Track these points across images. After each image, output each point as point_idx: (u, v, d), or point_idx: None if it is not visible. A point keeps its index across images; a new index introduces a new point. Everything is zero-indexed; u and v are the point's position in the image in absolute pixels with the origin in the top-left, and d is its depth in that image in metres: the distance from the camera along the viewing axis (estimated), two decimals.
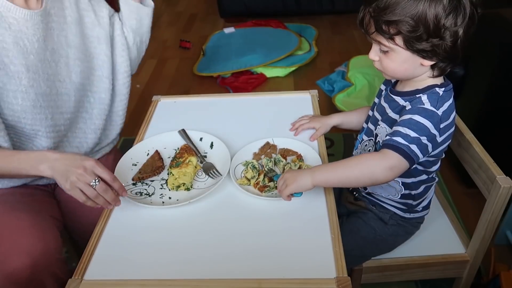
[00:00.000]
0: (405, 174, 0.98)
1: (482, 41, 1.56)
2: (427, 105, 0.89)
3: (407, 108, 0.92)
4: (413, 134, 0.86)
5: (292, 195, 0.92)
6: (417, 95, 0.92)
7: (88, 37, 1.12)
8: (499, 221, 1.00)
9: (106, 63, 1.16)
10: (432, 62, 0.88)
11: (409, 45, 0.85)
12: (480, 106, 1.60)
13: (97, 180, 0.87)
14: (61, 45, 1.05)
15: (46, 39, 0.99)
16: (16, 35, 0.93)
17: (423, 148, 0.87)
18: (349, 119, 1.21)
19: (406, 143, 0.86)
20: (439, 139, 0.91)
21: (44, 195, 1.12)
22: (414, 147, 0.86)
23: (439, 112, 0.89)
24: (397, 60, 0.89)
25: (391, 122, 0.96)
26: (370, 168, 0.88)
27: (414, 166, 0.95)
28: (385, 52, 0.90)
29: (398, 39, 0.85)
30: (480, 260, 1.11)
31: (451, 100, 0.93)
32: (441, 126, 0.89)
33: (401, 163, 0.86)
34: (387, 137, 0.89)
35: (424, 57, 0.87)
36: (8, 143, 0.98)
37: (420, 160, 0.90)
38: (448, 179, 1.83)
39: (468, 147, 1.05)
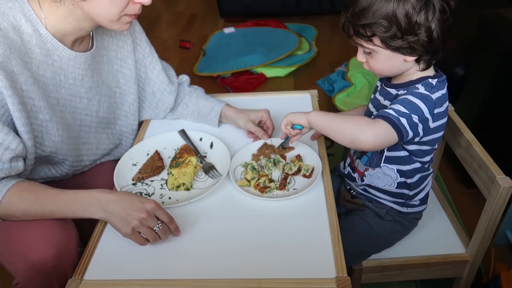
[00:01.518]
0: (399, 161, 1.00)
1: (482, 41, 1.56)
2: (421, 89, 0.92)
3: (400, 94, 0.95)
4: (404, 109, 0.89)
5: (292, 127, 1.00)
6: (410, 86, 0.95)
7: (124, 76, 1.14)
8: (499, 221, 1.00)
9: (136, 101, 1.19)
10: (414, 58, 0.91)
11: (387, 44, 0.88)
12: (480, 106, 1.60)
13: (160, 224, 0.86)
14: (98, 84, 1.08)
15: (84, 78, 1.03)
16: (56, 71, 0.96)
17: (412, 124, 0.89)
18: None
19: (396, 115, 0.89)
20: (431, 125, 0.92)
21: None
22: (403, 120, 0.88)
23: (433, 96, 0.91)
24: (380, 59, 0.93)
25: (383, 108, 0.98)
26: (357, 126, 0.91)
27: (407, 154, 0.98)
28: (369, 54, 0.94)
29: (376, 40, 0.89)
30: (480, 260, 1.11)
31: (444, 90, 0.95)
32: (435, 111, 0.91)
33: (388, 132, 0.88)
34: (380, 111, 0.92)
35: (404, 54, 0.90)
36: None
37: (409, 137, 0.91)
38: (448, 179, 1.83)
39: (468, 147, 1.05)
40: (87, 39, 1.02)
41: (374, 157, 1.03)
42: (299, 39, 2.99)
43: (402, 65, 0.93)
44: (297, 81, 2.70)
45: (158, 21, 3.70)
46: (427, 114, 0.90)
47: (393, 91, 0.99)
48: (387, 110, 0.90)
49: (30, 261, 0.88)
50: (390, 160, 1.02)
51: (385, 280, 1.16)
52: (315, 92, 1.37)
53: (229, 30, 3.23)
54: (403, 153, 1.00)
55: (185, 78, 1.29)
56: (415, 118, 0.89)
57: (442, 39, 0.89)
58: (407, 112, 0.89)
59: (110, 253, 0.88)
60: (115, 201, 0.87)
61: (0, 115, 0.86)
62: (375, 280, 1.16)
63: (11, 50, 0.86)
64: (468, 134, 1.06)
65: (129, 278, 0.82)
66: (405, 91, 0.95)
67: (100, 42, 1.07)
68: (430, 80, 0.94)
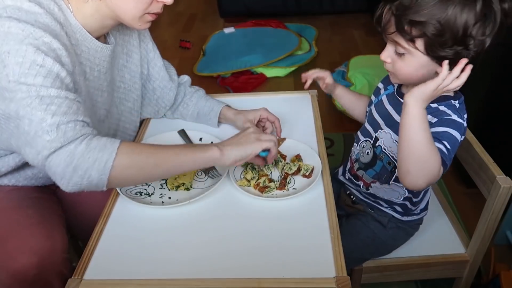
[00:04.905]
0: None
1: None
2: (454, 116, 0.86)
3: (432, 122, 0.86)
4: (449, 147, 0.83)
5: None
6: (432, 105, 0.87)
7: (130, 71, 1.15)
8: (499, 221, 1.00)
9: (139, 97, 1.20)
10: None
11: (430, 50, 0.80)
12: (480, 106, 1.60)
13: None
14: (115, 77, 1.09)
15: (107, 72, 1.04)
16: (82, 62, 0.96)
17: (451, 158, 0.85)
18: (347, 97, 1.22)
19: (448, 155, 0.82)
20: None
21: (47, 192, 1.12)
22: (449, 158, 0.83)
23: (465, 124, 0.87)
24: (412, 64, 0.84)
25: (397, 128, 0.92)
26: (424, 166, 0.80)
27: None
28: (400, 55, 0.85)
29: (419, 42, 0.80)
30: (480, 260, 1.11)
31: (465, 114, 0.90)
32: (461, 139, 0.87)
33: (440, 173, 0.82)
34: None
35: (441, 65, 0.81)
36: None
37: None
38: (448, 179, 1.83)
39: (468, 147, 1.05)
40: (103, 35, 1.03)
41: (383, 174, 1.00)
42: (299, 39, 3.00)
43: (431, 76, 0.84)
44: (297, 81, 2.70)
45: (158, 21, 3.70)
46: (459, 143, 0.86)
47: None
48: (442, 148, 0.82)
49: (11, 270, 0.88)
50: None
51: (385, 280, 1.17)
52: (315, 92, 1.37)
53: (229, 30, 3.23)
54: None
55: (186, 78, 1.30)
56: (453, 153, 0.84)
57: (482, 56, 0.81)
58: (451, 149, 0.83)
59: (110, 253, 0.87)
60: (230, 152, 0.90)
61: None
62: (375, 280, 1.16)
63: (62, 27, 0.88)
64: (468, 134, 1.06)
65: (129, 278, 0.82)
66: (433, 115, 0.86)
67: (126, 37, 1.09)
68: (452, 101, 0.88)
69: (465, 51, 0.79)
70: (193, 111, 1.24)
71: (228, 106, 1.22)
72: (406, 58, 0.84)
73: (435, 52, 0.80)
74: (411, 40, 0.80)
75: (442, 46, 0.78)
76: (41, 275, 0.90)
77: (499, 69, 1.49)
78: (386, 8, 0.83)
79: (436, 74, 0.83)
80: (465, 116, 0.89)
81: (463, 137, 0.88)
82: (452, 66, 0.80)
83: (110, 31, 1.05)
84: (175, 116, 1.27)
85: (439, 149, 0.81)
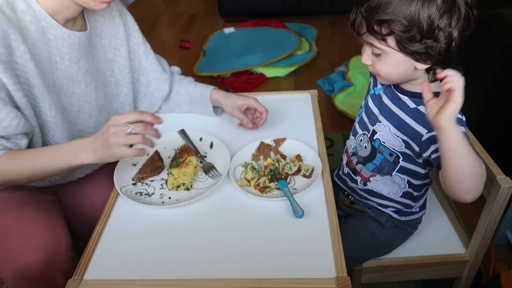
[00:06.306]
0: (414, 175, 0.99)
1: (482, 41, 1.56)
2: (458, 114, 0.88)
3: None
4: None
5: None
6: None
7: (119, 65, 1.15)
8: (499, 221, 1.00)
9: (131, 91, 1.19)
10: (427, 66, 0.85)
11: (402, 46, 0.82)
12: (480, 106, 1.60)
13: (131, 126, 0.86)
14: (93, 70, 1.08)
15: (80, 61, 1.03)
16: (51, 51, 0.96)
17: None
18: None
19: None
20: None
21: (49, 192, 1.13)
22: None
23: (463, 118, 0.89)
24: (390, 63, 0.86)
25: (397, 122, 0.94)
26: (481, 181, 0.85)
27: (426, 172, 0.98)
28: (377, 55, 0.87)
29: (391, 40, 0.83)
30: (480, 260, 1.11)
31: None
32: None
33: None
34: None
35: (417, 60, 0.84)
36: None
37: None
38: None
39: None
40: (79, 21, 1.02)
41: (385, 166, 1.00)
42: (299, 39, 3.00)
43: (411, 72, 0.88)
44: (297, 81, 2.70)
45: (158, 21, 3.70)
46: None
47: (408, 102, 0.93)
48: None
49: (17, 267, 0.88)
50: (404, 171, 0.99)
51: (385, 280, 1.16)
52: (315, 92, 1.37)
53: (229, 30, 3.23)
54: (422, 171, 0.99)
55: (176, 68, 1.30)
56: None
57: (458, 49, 0.83)
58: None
59: (110, 253, 0.88)
60: (92, 140, 0.89)
61: None
62: (375, 280, 1.16)
63: (9, 25, 0.87)
64: (468, 134, 1.06)
65: (129, 278, 0.82)
66: None
67: (93, 29, 1.07)
68: None
69: (436, 43, 0.81)
70: (185, 98, 1.24)
71: (215, 88, 1.23)
72: (383, 58, 0.87)
73: (406, 47, 0.82)
74: (383, 39, 0.83)
75: (412, 41, 0.81)
76: (46, 273, 0.90)
77: (498, 69, 1.49)
78: (357, 11, 0.86)
79: (416, 70, 0.86)
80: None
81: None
82: (422, 61, 0.84)
83: (95, 24, 1.04)
84: (170, 106, 1.27)
85: None
